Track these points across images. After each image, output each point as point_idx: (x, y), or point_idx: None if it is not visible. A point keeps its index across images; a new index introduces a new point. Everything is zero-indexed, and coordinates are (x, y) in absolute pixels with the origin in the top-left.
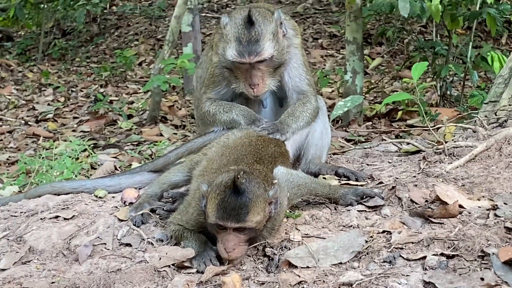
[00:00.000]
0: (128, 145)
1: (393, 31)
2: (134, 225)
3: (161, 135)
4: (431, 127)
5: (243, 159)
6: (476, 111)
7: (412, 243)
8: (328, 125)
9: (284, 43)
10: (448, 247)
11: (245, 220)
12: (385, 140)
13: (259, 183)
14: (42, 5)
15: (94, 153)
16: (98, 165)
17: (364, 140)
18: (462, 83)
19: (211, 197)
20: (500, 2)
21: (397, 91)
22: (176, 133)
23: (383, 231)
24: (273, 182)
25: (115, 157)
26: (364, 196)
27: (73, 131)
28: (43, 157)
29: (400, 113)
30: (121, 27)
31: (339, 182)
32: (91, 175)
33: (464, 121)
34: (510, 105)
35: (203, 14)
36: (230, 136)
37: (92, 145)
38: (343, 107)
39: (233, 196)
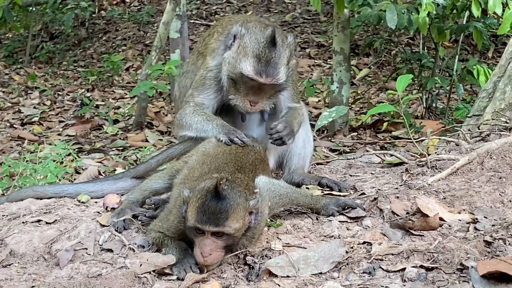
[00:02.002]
0: (113, 150)
1: (380, 42)
2: (116, 230)
3: (147, 140)
4: (414, 139)
5: (224, 167)
6: (460, 125)
7: (392, 254)
8: (310, 134)
9: (290, 67)
10: (428, 259)
11: (223, 225)
12: (369, 151)
13: (240, 191)
14: (31, 8)
15: (79, 157)
16: (83, 169)
17: (349, 150)
18: (447, 96)
19: (192, 201)
20: (487, 16)
21: (383, 102)
22: (161, 139)
23: (364, 242)
24: (254, 191)
25: (100, 162)
26: (346, 207)
27: (59, 134)
28: (27, 160)
29: (385, 124)
30: (109, 32)
31: (322, 192)
32: (75, 179)
33: (448, 134)
34: (493, 119)
35: (192, 21)
36: (208, 144)
37: (77, 150)
38: (327, 117)
39: (213, 201)
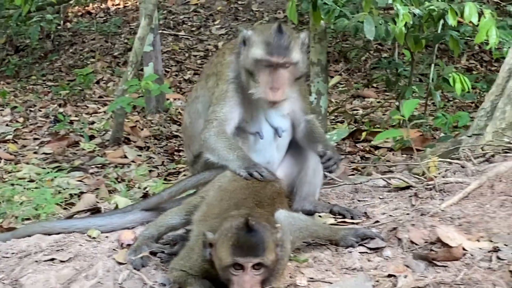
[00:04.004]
0: (92, 168)
1: (356, 52)
2: (135, 268)
3: (126, 157)
4: (413, 158)
5: (243, 203)
6: (446, 135)
7: (419, 287)
8: (319, 161)
9: (305, 60)
10: None
11: (263, 255)
12: (353, 162)
13: (266, 225)
14: None
15: (60, 178)
16: (64, 189)
17: None
18: (424, 104)
19: (222, 241)
20: (462, 24)
21: (357, 109)
22: (140, 155)
23: (389, 275)
24: (275, 225)
25: (80, 181)
26: (365, 237)
27: (35, 153)
28: (5, 181)
29: (364, 133)
30: (76, 44)
31: (335, 220)
32: (66, 203)
33: (438, 146)
34: (495, 139)
35: (159, 31)
36: (224, 178)
37: (55, 168)
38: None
39: (248, 235)
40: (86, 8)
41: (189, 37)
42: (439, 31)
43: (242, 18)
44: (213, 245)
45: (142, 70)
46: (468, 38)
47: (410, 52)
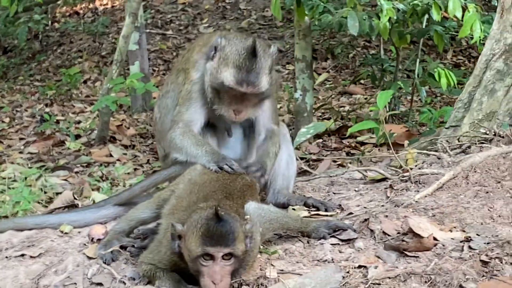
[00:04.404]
0: (77, 167)
1: (341, 48)
2: (104, 263)
3: (111, 155)
4: (389, 150)
5: (212, 195)
6: (429, 130)
7: (389, 278)
8: (293, 154)
9: (273, 77)
10: (425, 282)
11: (234, 245)
12: (338, 159)
13: (235, 216)
14: None
15: (45, 177)
16: (47, 187)
17: (315, 158)
18: (410, 99)
19: (191, 232)
20: (446, 19)
21: (344, 106)
22: (126, 153)
23: (359, 266)
24: (245, 217)
25: (65, 180)
26: (337, 229)
27: (20, 152)
28: None
29: (350, 129)
30: (64, 44)
31: (308, 212)
32: (44, 201)
33: (421, 141)
34: (472, 130)
35: (147, 31)
36: (194, 171)
37: (40, 167)
38: (306, 134)
39: (217, 225)
40: (74, 8)
41: (177, 36)
42: (423, 26)
43: (230, 16)
44: (182, 237)
45: (128, 69)
46: (454, 33)
47: (395, 47)
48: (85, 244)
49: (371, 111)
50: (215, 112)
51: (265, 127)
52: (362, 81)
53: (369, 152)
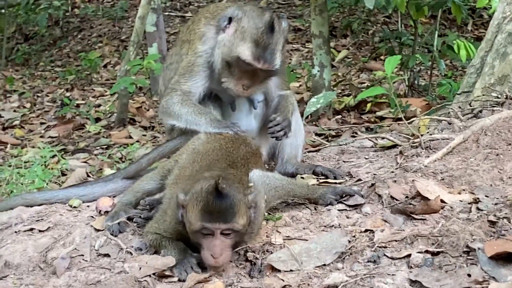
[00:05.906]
0: (97, 149)
1: (358, 23)
2: (112, 234)
3: (130, 137)
4: (405, 120)
5: (215, 164)
6: (450, 102)
7: (396, 241)
8: (301, 122)
9: (283, 53)
10: (432, 244)
11: (232, 221)
12: (356, 133)
13: (238, 187)
14: (3, 10)
15: (64, 158)
16: (68, 170)
17: (334, 134)
18: (429, 73)
19: (192, 205)
20: None
21: (364, 83)
22: (145, 135)
23: (366, 230)
24: (249, 185)
25: (85, 162)
26: (344, 195)
27: (41, 137)
28: (10, 165)
29: (369, 105)
30: (84, 29)
31: (317, 181)
32: (62, 182)
33: (436, 111)
34: (484, 95)
35: (166, 13)
36: (198, 140)
37: (61, 151)
38: (316, 104)
39: (217, 199)
40: None
41: None
42: None
43: None
44: (185, 207)
45: (147, 52)
46: (472, 3)
47: (413, 20)
48: (93, 217)
49: (372, 75)
50: (221, 85)
51: (277, 93)
52: (382, 57)
53: (389, 126)
